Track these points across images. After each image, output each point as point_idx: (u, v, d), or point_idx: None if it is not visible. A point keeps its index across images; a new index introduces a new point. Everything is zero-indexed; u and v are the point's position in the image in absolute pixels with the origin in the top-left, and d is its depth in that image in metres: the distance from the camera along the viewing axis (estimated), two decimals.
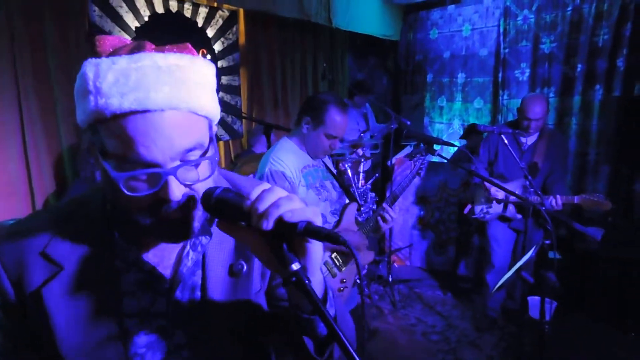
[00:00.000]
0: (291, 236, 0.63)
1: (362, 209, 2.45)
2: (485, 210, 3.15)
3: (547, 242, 1.68)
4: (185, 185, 0.68)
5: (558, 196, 2.75)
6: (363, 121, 4.78)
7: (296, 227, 0.61)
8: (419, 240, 4.46)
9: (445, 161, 2.74)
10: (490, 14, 4.96)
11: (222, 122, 4.26)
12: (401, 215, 4.54)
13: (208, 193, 0.67)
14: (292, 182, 1.84)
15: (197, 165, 0.69)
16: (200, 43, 3.92)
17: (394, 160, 4.37)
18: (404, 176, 2.31)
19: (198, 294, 0.78)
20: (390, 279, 3.89)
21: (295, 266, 0.63)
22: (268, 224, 0.61)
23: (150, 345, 0.75)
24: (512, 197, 3.02)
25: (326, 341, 0.73)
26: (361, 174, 4.03)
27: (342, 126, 1.91)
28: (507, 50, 4.83)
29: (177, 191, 0.65)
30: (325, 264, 1.93)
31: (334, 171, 2.18)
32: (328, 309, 0.70)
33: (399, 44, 5.72)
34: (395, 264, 4.45)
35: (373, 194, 4.05)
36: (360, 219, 2.25)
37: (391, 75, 5.97)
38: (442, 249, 4.36)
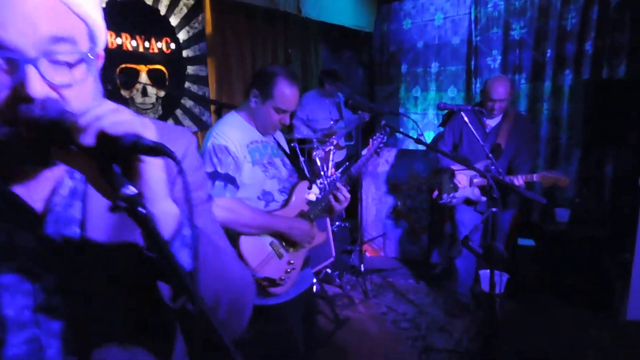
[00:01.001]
0: (125, 156, 0.55)
1: (318, 188, 2.34)
2: (452, 195, 3.11)
3: (494, 209, 1.56)
4: (51, 86, 0.58)
5: (519, 176, 2.70)
6: (336, 110, 4.71)
7: (122, 142, 0.53)
8: (392, 229, 4.43)
9: (421, 147, 2.64)
10: (461, 2, 4.90)
11: (189, 113, 4.16)
12: (374, 205, 4.48)
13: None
14: (236, 158, 1.76)
15: (70, 65, 0.60)
16: (163, 31, 3.81)
17: (365, 151, 4.30)
18: (362, 156, 2.21)
19: (75, 230, 0.68)
20: (362, 269, 3.84)
21: (128, 191, 0.55)
22: (87, 138, 0.53)
23: (8, 288, 0.64)
24: (475, 180, 2.94)
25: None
26: (331, 163, 3.93)
27: (291, 100, 1.84)
28: (478, 38, 4.77)
29: (37, 86, 0.56)
30: (271, 244, 1.85)
31: (286, 149, 2.10)
32: (177, 249, 0.60)
33: (373, 35, 5.64)
34: (367, 254, 4.39)
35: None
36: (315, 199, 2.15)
37: (366, 67, 5.92)
38: (416, 238, 4.33)
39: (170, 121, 4.03)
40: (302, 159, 3.96)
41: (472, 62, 4.82)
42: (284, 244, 1.88)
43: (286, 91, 1.82)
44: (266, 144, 1.94)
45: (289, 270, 1.87)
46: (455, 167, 3.10)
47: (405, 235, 4.37)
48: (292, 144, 4.00)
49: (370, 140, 2.29)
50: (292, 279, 1.90)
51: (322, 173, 3.91)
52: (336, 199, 2.02)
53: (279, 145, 2.05)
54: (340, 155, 4.65)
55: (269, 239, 1.84)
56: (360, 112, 4.33)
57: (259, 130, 1.92)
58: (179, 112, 4.11)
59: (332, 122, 4.11)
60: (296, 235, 1.85)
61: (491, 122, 3.07)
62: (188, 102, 4.17)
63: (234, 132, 1.81)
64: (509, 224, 3.19)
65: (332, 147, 4.00)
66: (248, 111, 1.91)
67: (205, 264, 0.67)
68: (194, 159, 0.83)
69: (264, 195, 1.85)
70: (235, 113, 1.93)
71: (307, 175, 3.98)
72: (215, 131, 1.82)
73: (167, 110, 3.98)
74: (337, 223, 4.04)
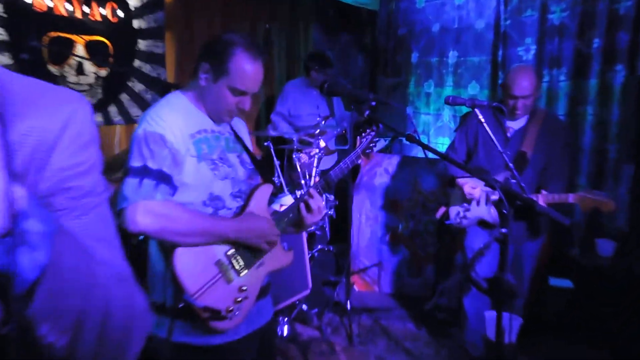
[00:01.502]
0: None
1: (283, 194, 2.34)
2: (462, 215, 3.11)
3: (504, 230, 1.53)
4: None
5: (543, 192, 2.67)
6: (325, 105, 4.75)
7: None
8: (390, 257, 4.43)
9: (433, 155, 2.65)
10: None
11: (139, 100, 4.14)
12: (368, 226, 4.47)
13: None
14: (175, 150, 1.74)
15: None
16: None
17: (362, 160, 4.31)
18: (347, 158, 2.20)
19: None
20: (349, 307, 3.80)
21: None
22: None
23: None
24: (494, 197, 2.94)
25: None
26: (315, 171, 3.92)
27: (252, 77, 1.83)
28: (508, 22, 4.79)
29: None
30: (217, 263, 1.80)
31: (248, 142, 2.09)
32: (4, 249, 0.56)
33: (378, 15, 5.67)
34: (356, 288, 4.36)
35: (331, 197, 3.97)
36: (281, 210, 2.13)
37: (368, 54, 5.96)
38: (418, 270, 4.32)
39: (113, 108, 4.02)
40: (277, 162, 3.97)
41: (500, 52, 4.84)
42: (235, 263, 1.84)
43: (246, 66, 1.80)
44: (218, 135, 1.92)
45: (239, 299, 1.82)
46: (465, 179, 3.10)
47: (405, 266, 4.36)
48: (266, 143, 4.01)
49: (358, 138, 2.29)
50: (244, 312, 1.84)
51: (302, 182, 3.88)
52: (307, 207, 2.01)
53: (238, 138, 2.03)
54: (330, 161, 4.65)
55: (214, 255, 1.80)
56: (355, 106, 4.40)
57: (211, 116, 1.90)
58: (124, 97, 4.09)
59: (319, 119, 4.11)
60: (249, 236, 1.83)
61: (514, 125, 3.07)
62: (137, 85, 4.15)
63: (174, 118, 1.79)
64: (535, 256, 3.16)
65: (318, 151, 4.02)
66: (196, 91, 1.88)
67: (62, 274, 0.64)
68: (81, 134, 0.79)
69: (211, 201, 1.83)
70: (179, 93, 1.91)
71: (285, 186, 4.04)
72: (149, 115, 1.79)
73: (109, 93, 3.96)
74: (319, 246, 4.00)
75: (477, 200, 3.01)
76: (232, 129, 2.02)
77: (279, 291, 3.17)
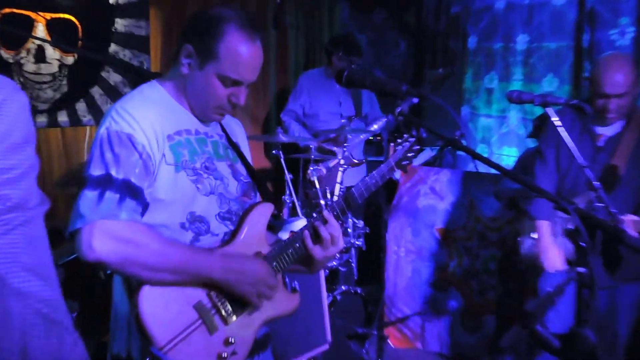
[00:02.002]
0: None
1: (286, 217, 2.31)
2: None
3: (581, 269, 1.55)
4: None
5: (633, 217, 2.66)
6: (350, 101, 4.75)
7: None
8: (437, 304, 4.41)
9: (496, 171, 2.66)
10: None
11: (114, 94, 4.19)
12: (409, 262, 4.46)
13: None
14: (148, 156, 1.75)
15: None
16: None
17: (398, 174, 4.28)
18: (375, 171, 2.15)
19: None
20: None
21: None
22: None
23: None
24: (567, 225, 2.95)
25: None
26: (338, 187, 3.88)
27: (248, 62, 1.85)
28: None
29: None
30: (197, 306, 1.78)
31: (246, 150, 2.12)
32: None
33: None
34: (391, 344, 4.33)
35: (360, 222, 3.93)
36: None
37: (412, 38, 5.95)
38: (475, 322, 4.27)
39: (82, 105, 4.06)
40: (288, 176, 3.94)
41: (585, 37, 4.79)
42: (220, 307, 1.82)
43: (240, 48, 1.82)
44: (205, 138, 1.93)
45: (225, 355, 1.79)
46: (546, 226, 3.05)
47: (457, 317, 4.31)
48: (275, 151, 3.98)
49: (392, 145, 2.25)
50: None
51: (321, 202, 3.85)
52: (316, 237, 1.96)
53: (231, 142, 2.05)
54: (355, 176, 4.59)
55: (194, 296, 1.78)
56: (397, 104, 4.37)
57: (195, 113, 1.92)
58: (96, 91, 4.13)
59: (342, 121, 4.11)
60: (239, 283, 1.80)
61: (605, 131, 3.07)
62: (113, 77, 4.19)
63: (148, 113, 1.80)
64: (637, 305, 3.07)
65: (340, 162, 4.01)
66: (177, 81, 1.90)
67: None
68: (9, 132, 0.81)
69: (192, 223, 1.83)
70: (156, 83, 1.93)
71: (299, 208, 4.01)
72: (115, 109, 1.80)
73: (76, 86, 4.01)
74: (342, 287, 3.94)
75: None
76: (223, 130, 2.04)
77: (286, 346, 3.14)
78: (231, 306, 1.84)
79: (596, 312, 2.92)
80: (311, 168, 4.04)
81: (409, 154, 2.23)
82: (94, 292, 3.58)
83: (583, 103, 2.75)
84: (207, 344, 1.76)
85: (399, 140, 2.26)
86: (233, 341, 1.81)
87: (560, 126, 2.56)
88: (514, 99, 2.69)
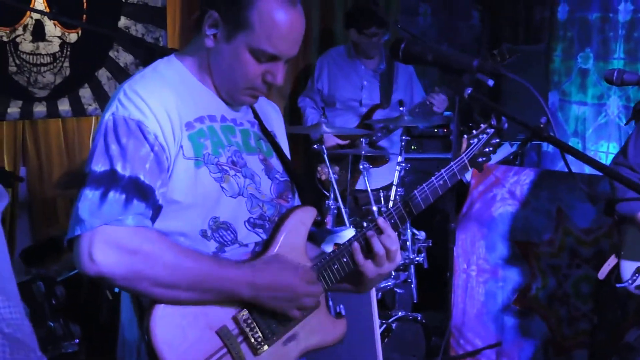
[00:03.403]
0: None
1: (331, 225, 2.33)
2: None
3: None
4: None
5: None
6: (376, 86, 4.75)
7: None
8: (516, 335, 4.37)
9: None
10: None
11: (125, 78, 4.20)
12: (481, 284, 4.44)
13: None
14: (161, 148, 1.76)
15: None
16: None
17: (468, 175, 4.32)
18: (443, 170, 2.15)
19: None
20: None
21: None
22: None
23: None
24: None
25: None
26: (394, 190, 3.89)
27: (287, 32, 1.84)
28: None
29: None
30: (221, 332, 1.78)
31: (284, 142, 2.14)
32: None
33: None
34: None
35: (421, 234, 3.93)
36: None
37: (485, 7, 5.94)
38: (564, 357, 4.21)
39: (86, 92, 4.12)
40: (333, 176, 3.97)
41: None
42: (249, 334, 1.82)
43: (278, 15, 1.81)
44: (232, 126, 1.94)
45: None
46: None
47: (541, 351, 4.26)
48: (316, 146, 3.99)
49: (465, 138, 2.23)
50: None
51: (374, 209, 3.87)
52: (368, 250, 1.95)
53: (265, 132, 2.05)
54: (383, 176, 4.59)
55: (218, 320, 1.79)
56: (455, 87, 4.37)
57: (221, 95, 1.92)
58: (103, 74, 4.19)
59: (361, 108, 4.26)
60: (275, 300, 1.81)
61: None
62: (123, 57, 4.25)
63: (162, 96, 1.81)
64: None
65: (400, 160, 4.08)
66: (199, 56, 1.91)
67: None
68: None
69: (214, 231, 1.84)
70: (174, 59, 1.94)
71: (345, 215, 4.00)
72: (123, 90, 1.81)
73: (80, 69, 4.05)
74: (399, 313, 3.93)
75: None
76: (256, 116, 2.04)
77: None
78: (262, 333, 1.83)
79: None
80: (362, 167, 4.09)
81: (487, 149, 2.20)
82: (99, 315, 3.63)
83: None
84: None
85: (475, 132, 2.23)
86: None
87: None
88: (613, 81, 2.69)
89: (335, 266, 1.95)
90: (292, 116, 5.16)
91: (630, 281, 3.13)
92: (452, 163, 2.15)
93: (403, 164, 4.07)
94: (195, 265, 1.73)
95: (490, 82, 2.88)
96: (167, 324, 1.71)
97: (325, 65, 4.78)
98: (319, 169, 4.08)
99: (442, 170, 2.12)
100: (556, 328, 4.22)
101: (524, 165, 5.08)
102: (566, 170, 2.79)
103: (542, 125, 2.05)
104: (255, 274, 1.78)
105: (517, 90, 5.06)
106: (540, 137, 1.95)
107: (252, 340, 1.81)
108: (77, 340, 3.35)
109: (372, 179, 4.31)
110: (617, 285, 3.17)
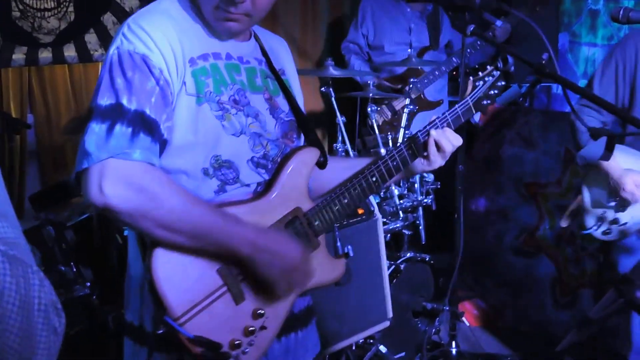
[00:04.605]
0: None
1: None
2: (613, 218, 3.16)
3: None
4: None
5: None
6: (424, 28, 4.70)
7: None
8: (524, 275, 4.40)
9: None
10: None
11: None
12: (489, 225, 4.46)
13: None
14: (166, 81, 1.76)
15: None
16: None
17: (477, 116, 4.32)
18: (447, 112, 2.16)
19: None
20: (454, 352, 3.81)
21: None
22: None
23: None
24: None
25: None
26: (402, 133, 3.99)
27: None
28: None
29: None
30: (221, 271, 1.80)
31: (294, 80, 2.13)
32: None
33: None
34: (466, 321, 4.29)
35: (429, 176, 3.93)
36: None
37: None
38: (571, 296, 4.24)
39: (92, 37, 4.08)
40: (341, 118, 3.92)
41: None
42: (248, 274, 1.82)
43: None
44: (237, 64, 1.92)
45: (253, 328, 1.81)
46: (622, 159, 3.06)
47: (548, 290, 4.31)
48: (324, 89, 3.95)
49: (471, 79, 2.23)
50: (261, 350, 1.84)
51: (382, 152, 3.84)
52: (423, 149, 2.06)
53: (272, 70, 2.03)
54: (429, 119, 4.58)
55: (218, 259, 1.79)
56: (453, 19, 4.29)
57: (214, 27, 1.88)
58: (108, 19, 4.16)
59: (409, 51, 4.05)
60: (271, 266, 1.81)
61: None
62: (129, 0, 4.18)
63: (167, 31, 1.79)
64: None
65: (407, 103, 3.99)
66: None
67: None
68: None
69: (216, 169, 1.85)
70: None
71: (353, 157, 3.96)
72: (128, 25, 1.79)
73: (85, 13, 4.01)
74: (408, 254, 3.92)
75: None
76: (264, 53, 2.02)
77: (339, 323, 3.16)
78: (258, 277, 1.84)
79: None
80: (370, 109, 4.04)
81: (492, 92, 2.21)
82: (109, 258, 3.64)
83: None
84: (232, 315, 1.78)
85: (480, 74, 2.24)
86: (263, 312, 1.82)
87: None
88: (619, 19, 2.65)
89: (337, 207, 1.97)
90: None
91: (595, 227, 3.19)
92: (456, 106, 2.16)
93: (411, 106, 4.03)
94: (200, 215, 1.73)
95: (499, 23, 2.82)
96: (168, 262, 1.72)
97: (368, 9, 4.72)
98: (370, 110, 4.03)
99: (446, 112, 2.13)
100: (563, 268, 4.26)
101: (534, 107, 5.05)
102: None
103: (544, 62, 2.02)
104: (259, 235, 1.79)
105: (527, 32, 5.00)
106: (542, 74, 1.94)
107: (251, 279, 1.82)
108: (88, 284, 3.37)
109: (418, 124, 4.23)
110: (582, 232, 3.26)
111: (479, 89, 2.18)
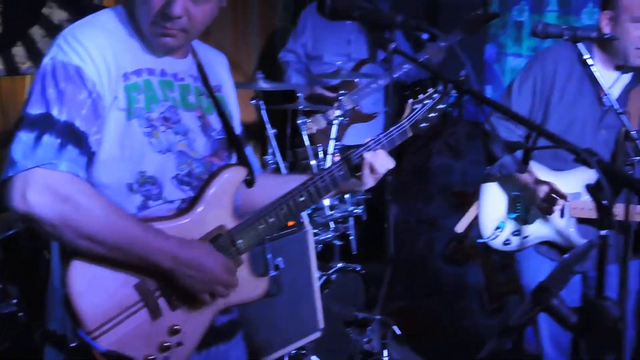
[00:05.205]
0: None
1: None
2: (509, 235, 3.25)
3: (605, 232, 1.63)
4: None
5: None
6: (363, 40, 4.72)
7: None
8: (454, 282, 4.49)
9: None
10: None
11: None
12: (419, 234, 4.40)
13: None
14: (98, 95, 1.76)
15: None
16: None
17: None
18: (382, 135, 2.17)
19: None
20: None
21: None
22: None
23: None
24: (573, 205, 3.08)
25: None
26: (333, 145, 3.97)
27: None
28: None
29: None
30: (139, 286, 1.79)
31: (231, 96, 2.15)
32: None
33: None
34: (397, 330, 4.22)
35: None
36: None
37: None
38: (499, 302, 4.32)
39: (19, 50, 4.01)
40: (271, 131, 3.92)
41: None
42: (167, 289, 1.83)
43: None
44: (170, 81, 1.93)
45: (168, 344, 1.81)
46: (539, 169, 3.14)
47: (477, 297, 4.37)
48: (254, 101, 3.96)
49: (410, 102, 2.22)
50: None
51: (312, 163, 3.90)
52: (356, 171, 2.07)
53: (207, 87, 2.03)
54: (365, 132, 4.59)
55: (136, 273, 1.80)
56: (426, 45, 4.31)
57: (150, 41, 1.87)
58: (36, 32, 4.09)
59: (339, 63, 4.13)
60: (192, 280, 1.81)
61: (616, 83, 3.10)
62: (58, 14, 4.16)
63: (102, 44, 1.79)
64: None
65: (338, 114, 4.01)
66: (129, 3, 1.88)
67: None
68: None
69: (141, 185, 1.85)
70: (117, 9, 1.92)
71: (284, 170, 3.97)
72: (64, 37, 1.79)
73: (12, 25, 3.94)
74: (338, 265, 3.94)
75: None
76: (200, 70, 2.02)
77: (271, 334, 3.16)
78: (174, 294, 1.84)
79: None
80: (300, 121, 4.05)
81: (431, 115, 2.22)
82: (36, 274, 3.58)
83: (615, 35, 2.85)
84: (148, 330, 1.77)
85: (420, 97, 2.23)
86: (179, 328, 1.82)
87: (592, 65, 2.65)
88: (539, 33, 2.71)
89: (261, 226, 1.97)
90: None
91: (492, 236, 3.25)
92: (392, 128, 2.17)
93: (342, 118, 4.04)
94: (124, 227, 1.73)
95: (425, 36, 2.89)
96: (84, 275, 1.72)
97: (309, 19, 4.72)
98: (300, 122, 4.02)
99: (382, 135, 2.14)
100: (491, 275, 4.31)
101: (462, 118, 5.12)
102: None
103: (462, 79, 2.06)
104: (181, 248, 1.78)
105: (461, 46, 5.08)
106: (460, 91, 1.99)
107: (170, 296, 1.82)
108: (14, 301, 3.30)
109: (351, 136, 4.36)
110: (478, 240, 3.31)
111: (417, 111, 2.18)
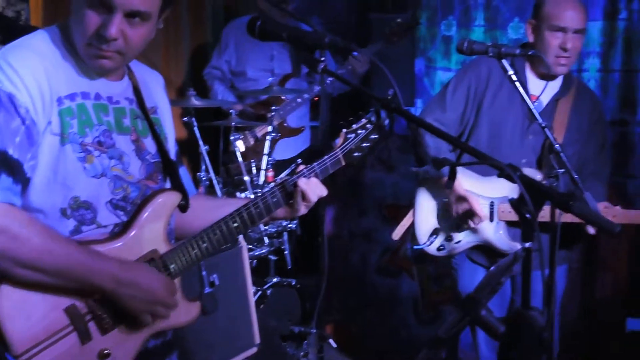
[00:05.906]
0: None
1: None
2: (442, 241, 3.29)
3: (528, 245, 1.67)
4: None
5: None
6: (286, 56, 4.74)
7: None
8: (388, 294, 4.50)
9: None
10: None
11: None
12: (353, 247, 4.40)
13: None
14: (32, 121, 1.73)
15: None
16: None
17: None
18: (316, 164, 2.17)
19: None
20: None
21: None
22: None
23: None
24: (502, 208, 3.12)
25: None
26: (265, 160, 3.99)
27: None
28: None
29: None
30: (69, 310, 1.77)
31: (166, 119, 2.13)
32: None
33: None
34: (333, 343, 4.27)
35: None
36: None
37: None
38: (433, 312, 4.34)
39: None
40: (204, 147, 3.90)
41: None
42: (98, 313, 1.81)
43: None
44: (105, 105, 1.91)
45: None
46: (466, 179, 3.19)
47: (412, 307, 4.40)
48: (186, 119, 3.94)
49: (343, 132, 2.21)
50: None
51: (246, 179, 3.87)
52: (289, 198, 2.08)
53: (143, 110, 2.01)
54: (293, 146, 4.59)
55: (67, 297, 1.78)
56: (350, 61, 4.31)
57: (86, 63, 1.85)
58: None
59: (269, 79, 4.15)
60: (133, 299, 1.81)
61: (545, 92, 3.17)
62: None
63: (35, 68, 1.77)
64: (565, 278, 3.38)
65: (270, 130, 4.04)
66: (66, 26, 1.87)
67: None
68: None
69: (74, 210, 1.83)
70: (50, 31, 1.89)
71: (217, 186, 3.96)
72: None
73: None
74: (274, 280, 3.93)
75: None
76: (136, 92, 2.00)
77: (208, 351, 3.14)
78: (112, 317, 1.82)
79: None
80: (232, 137, 4.04)
81: (364, 144, 2.24)
82: None
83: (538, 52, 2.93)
84: (77, 354, 1.76)
85: (354, 126, 2.24)
86: (109, 353, 1.81)
87: (516, 80, 2.64)
88: (464, 50, 2.74)
89: (195, 251, 1.98)
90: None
91: (428, 243, 3.29)
92: (325, 157, 2.17)
93: (273, 133, 4.05)
94: (63, 253, 1.72)
95: (355, 53, 2.90)
96: (12, 298, 1.70)
97: (232, 36, 4.69)
98: (232, 139, 3.99)
99: (315, 164, 2.15)
100: (425, 285, 4.29)
101: (393, 131, 5.15)
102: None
103: (389, 97, 2.08)
104: (122, 269, 1.78)
105: (384, 60, 5.12)
106: (388, 109, 2.01)
107: (101, 320, 1.80)
108: None
109: (280, 150, 4.34)
110: (414, 247, 3.35)
111: (350, 141, 2.20)
